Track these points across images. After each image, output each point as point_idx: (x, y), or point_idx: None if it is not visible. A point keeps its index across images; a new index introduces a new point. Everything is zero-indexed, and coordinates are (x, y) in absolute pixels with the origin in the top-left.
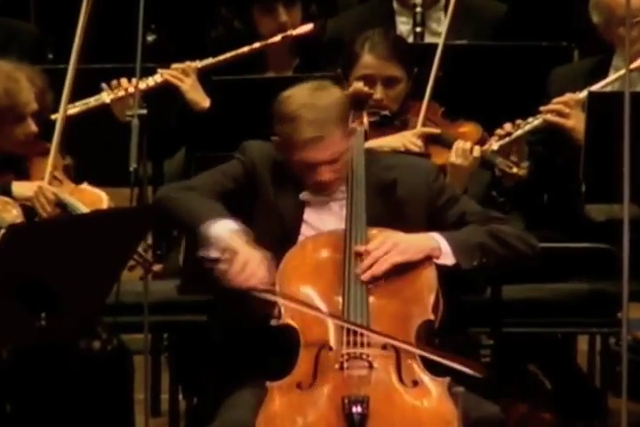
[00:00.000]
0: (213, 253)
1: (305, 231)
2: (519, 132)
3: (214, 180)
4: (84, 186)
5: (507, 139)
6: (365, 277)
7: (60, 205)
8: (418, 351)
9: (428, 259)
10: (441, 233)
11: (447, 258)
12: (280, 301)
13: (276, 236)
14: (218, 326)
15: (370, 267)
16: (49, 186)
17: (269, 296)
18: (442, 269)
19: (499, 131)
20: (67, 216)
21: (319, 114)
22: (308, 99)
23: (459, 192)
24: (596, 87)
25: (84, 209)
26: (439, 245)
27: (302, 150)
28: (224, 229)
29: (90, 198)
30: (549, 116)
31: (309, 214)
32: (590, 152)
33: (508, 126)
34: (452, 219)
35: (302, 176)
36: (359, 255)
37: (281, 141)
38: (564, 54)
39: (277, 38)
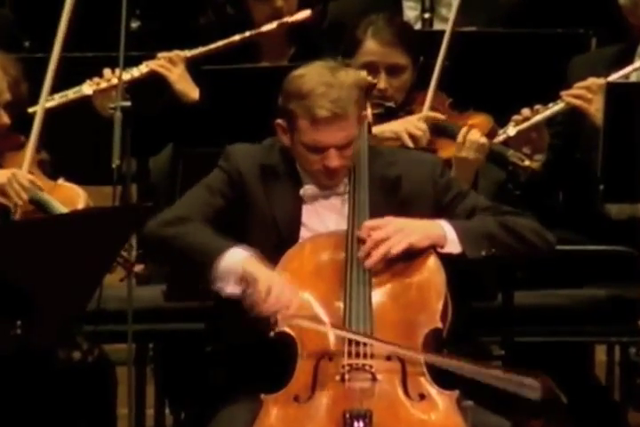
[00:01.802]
0: (234, 289)
1: (303, 234)
2: (538, 117)
3: (201, 201)
4: (60, 182)
5: (525, 124)
6: (368, 263)
7: (36, 203)
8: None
9: (436, 262)
10: (448, 220)
11: (453, 246)
12: (318, 328)
13: (274, 243)
14: (214, 335)
15: (372, 251)
16: (24, 173)
17: (303, 323)
18: (447, 259)
19: (516, 116)
20: (44, 216)
21: (340, 92)
22: (328, 77)
23: (466, 187)
24: (619, 75)
25: (60, 207)
26: (444, 233)
27: (317, 130)
28: (236, 260)
29: (66, 195)
30: (571, 100)
31: (307, 214)
32: (609, 147)
33: (526, 111)
34: (462, 215)
35: (307, 164)
36: (361, 242)
37: (289, 123)
38: (581, 42)
39: (273, 25)
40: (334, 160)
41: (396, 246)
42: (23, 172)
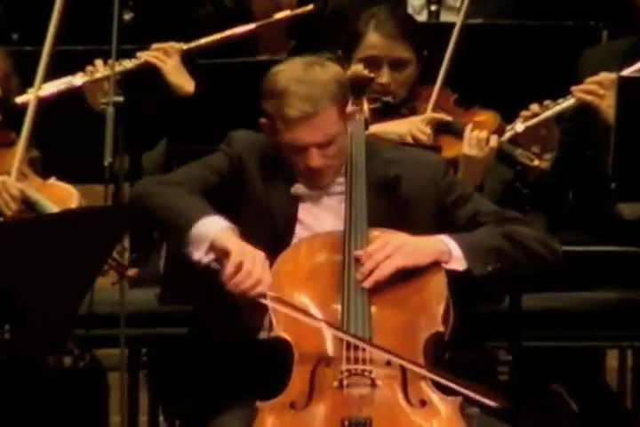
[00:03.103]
0: (202, 256)
1: (299, 231)
2: (548, 113)
3: (197, 174)
4: (52, 181)
5: (534, 120)
6: (367, 283)
7: (26, 202)
8: (427, 374)
9: (436, 264)
10: (451, 235)
11: (458, 263)
12: (279, 309)
13: (268, 236)
14: (203, 340)
15: (371, 272)
16: (14, 181)
17: (266, 302)
18: (452, 275)
19: (524, 112)
20: (34, 216)
21: (312, 89)
22: (301, 73)
23: (470, 189)
24: (632, 69)
25: (53, 207)
26: (449, 249)
27: (292, 130)
28: (212, 228)
29: (58, 195)
30: (583, 95)
31: (303, 212)
32: (620, 144)
33: (535, 107)
34: (463, 220)
35: (292, 163)
36: (359, 261)
37: (269, 122)
38: (592, 35)
39: (273, 19)
40: (316, 159)
41: (396, 265)
42: (12, 180)
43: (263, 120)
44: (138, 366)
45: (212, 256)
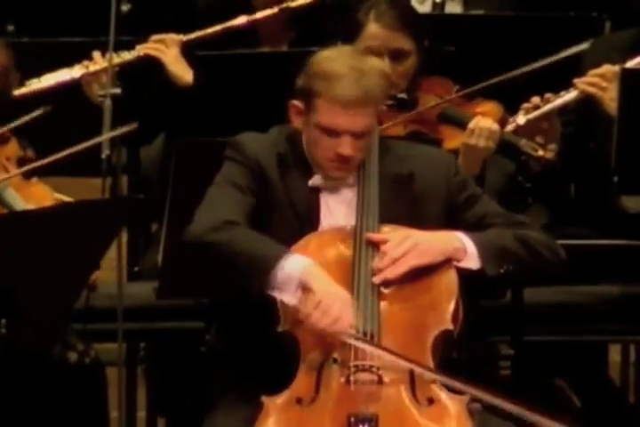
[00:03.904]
0: (291, 298)
1: (324, 222)
2: (549, 106)
3: (236, 201)
4: (34, 181)
5: (535, 112)
6: (378, 279)
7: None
8: (443, 380)
9: (447, 262)
10: (466, 233)
11: (472, 261)
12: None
13: (295, 232)
14: (219, 334)
15: (384, 269)
16: None
17: (349, 341)
18: (462, 273)
19: (525, 105)
20: (30, 210)
21: (368, 78)
22: (356, 61)
23: (480, 190)
24: (636, 61)
25: (23, 206)
26: (464, 246)
27: (338, 113)
28: (296, 268)
29: (36, 195)
30: (585, 87)
31: (323, 207)
32: (623, 137)
33: (536, 99)
34: (471, 220)
35: (318, 150)
36: (373, 245)
37: (307, 104)
38: (594, 26)
39: (274, 10)
40: (347, 148)
41: (411, 264)
42: None
43: (295, 102)
44: (136, 360)
45: (299, 294)
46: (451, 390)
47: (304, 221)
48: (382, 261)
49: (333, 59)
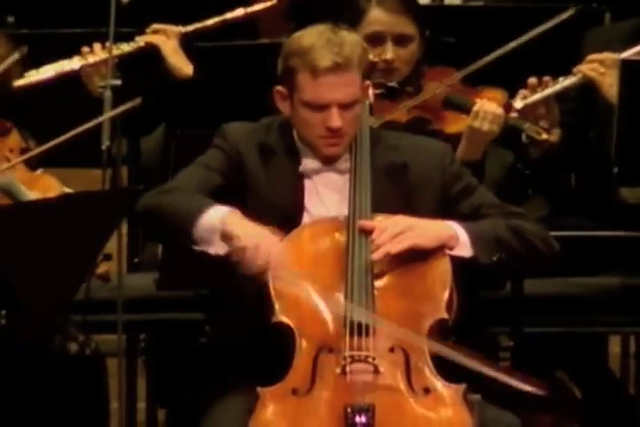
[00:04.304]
0: (218, 248)
1: (313, 209)
2: (547, 90)
3: (199, 177)
4: (39, 173)
5: (533, 97)
6: (377, 255)
7: (5, 191)
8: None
9: (440, 250)
10: (459, 222)
11: (464, 249)
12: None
13: (278, 220)
14: (220, 325)
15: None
16: None
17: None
18: (455, 262)
19: (523, 90)
20: (28, 201)
21: (343, 46)
22: (330, 33)
23: (475, 181)
24: (633, 51)
25: (30, 198)
26: (456, 234)
27: (319, 84)
28: (216, 218)
29: (42, 187)
30: (585, 70)
31: (308, 196)
32: (623, 128)
33: (533, 80)
34: (466, 210)
35: (308, 129)
36: (366, 234)
37: (289, 84)
38: (594, 17)
39: (273, 1)
40: (336, 119)
41: (401, 245)
42: None
43: (278, 88)
44: (136, 352)
45: (226, 246)
46: (446, 377)
47: (287, 210)
48: (381, 236)
49: (305, 34)
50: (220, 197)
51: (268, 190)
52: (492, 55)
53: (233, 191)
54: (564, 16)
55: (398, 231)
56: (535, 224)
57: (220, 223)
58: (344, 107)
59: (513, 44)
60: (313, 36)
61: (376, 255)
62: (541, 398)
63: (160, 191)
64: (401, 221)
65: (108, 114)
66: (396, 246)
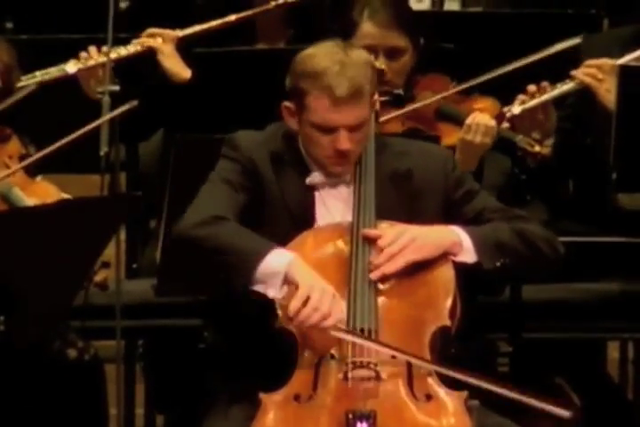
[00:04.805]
0: (276, 292)
1: (320, 220)
2: (545, 96)
3: (227, 196)
4: (38, 180)
5: (531, 102)
6: (375, 275)
7: (4, 198)
8: (457, 376)
9: (444, 257)
10: (462, 227)
11: (468, 255)
12: (350, 340)
13: (289, 232)
14: (217, 331)
15: (381, 265)
16: None
17: (337, 335)
18: (459, 268)
19: (521, 95)
20: (28, 207)
21: (356, 71)
22: (341, 55)
23: (478, 186)
24: (630, 57)
25: (30, 205)
26: (460, 240)
27: (331, 110)
28: (280, 263)
29: (40, 194)
30: (582, 77)
31: (318, 208)
32: (621, 133)
33: (532, 87)
34: (469, 215)
35: (315, 148)
36: (369, 242)
37: (299, 104)
38: (593, 23)
39: (270, 6)
40: (345, 142)
41: (408, 259)
42: None
43: (287, 104)
44: (134, 357)
45: (285, 289)
46: (448, 384)
47: (298, 220)
48: (379, 257)
49: (316, 55)
50: (246, 211)
51: (281, 200)
52: (490, 74)
53: (253, 202)
54: (572, 43)
55: (398, 249)
56: (539, 226)
57: (284, 269)
58: (353, 129)
59: (510, 67)
60: (322, 58)
61: (374, 276)
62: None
63: (202, 222)
64: (402, 233)
65: (107, 116)
66: (393, 266)
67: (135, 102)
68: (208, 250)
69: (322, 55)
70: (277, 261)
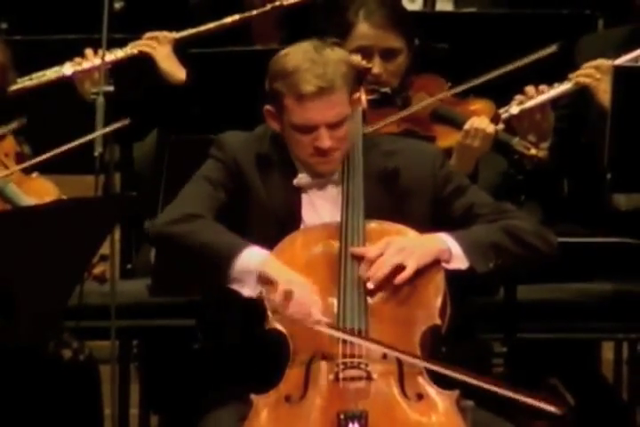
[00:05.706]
0: (252, 291)
1: (308, 220)
2: (543, 96)
3: (206, 195)
4: (34, 176)
5: (529, 103)
6: (370, 286)
7: (1, 195)
8: (451, 374)
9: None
10: (449, 233)
11: (459, 262)
12: (335, 334)
13: (274, 234)
14: (205, 332)
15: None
16: None
17: (322, 329)
18: (453, 272)
19: (519, 96)
20: (23, 207)
21: (326, 67)
22: (313, 53)
23: (467, 181)
24: (626, 58)
25: (28, 202)
26: (448, 247)
27: (305, 107)
28: (254, 261)
29: (38, 190)
30: (580, 78)
31: (305, 203)
32: (617, 134)
33: (530, 90)
34: (459, 211)
35: (299, 149)
36: (357, 259)
37: (276, 105)
38: (587, 24)
39: (266, 8)
40: (325, 140)
41: (392, 266)
42: None
43: (268, 107)
44: (128, 358)
45: (259, 288)
46: (440, 384)
47: (284, 222)
48: (369, 271)
49: (288, 55)
50: (226, 210)
51: (267, 201)
52: (481, 79)
53: (234, 202)
54: (547, 52)
55: (385, 261)
56: (529, 221)
57: (258, 267)
58: (333, 126)
59: (499, 72)
60: (297, 57)
61: (369, 286)
62: (559, 417)
63: (178, 219)
64: (391, 244)
65: (99, 132)
66: (382, 272)
67: (127, 121)
68: (182, 247)
69: (293, 55)
70: (251, 259)
